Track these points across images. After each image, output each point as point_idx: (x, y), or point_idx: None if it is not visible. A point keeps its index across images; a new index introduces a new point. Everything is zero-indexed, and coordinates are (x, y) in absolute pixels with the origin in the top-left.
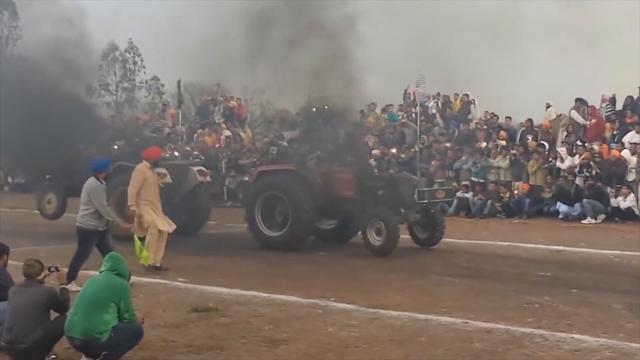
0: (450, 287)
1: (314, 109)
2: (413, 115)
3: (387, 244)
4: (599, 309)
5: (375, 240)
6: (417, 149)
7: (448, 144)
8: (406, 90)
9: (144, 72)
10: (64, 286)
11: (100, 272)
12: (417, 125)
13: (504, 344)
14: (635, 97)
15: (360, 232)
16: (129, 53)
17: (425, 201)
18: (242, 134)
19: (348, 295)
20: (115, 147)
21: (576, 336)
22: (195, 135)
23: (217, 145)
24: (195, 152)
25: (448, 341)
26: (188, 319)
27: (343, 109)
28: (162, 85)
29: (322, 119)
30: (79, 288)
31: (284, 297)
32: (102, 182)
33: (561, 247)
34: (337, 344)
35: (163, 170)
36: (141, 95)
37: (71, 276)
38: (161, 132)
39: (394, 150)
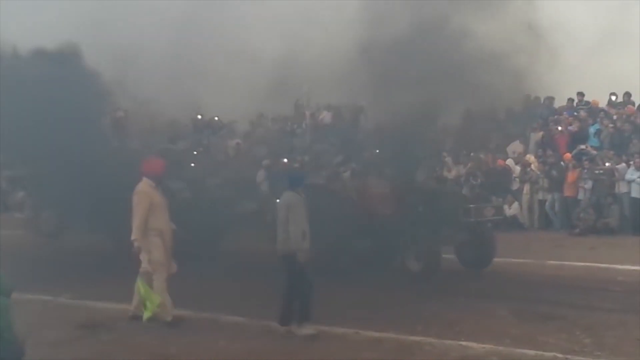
0: (341, 297)
1: (200, 116)
2: (304, 125)
3: (427, 269)
4: (485, 315)
5: (414, 265)
6: (306, 159)
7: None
8: (297, 100)
9: None
10: None
11: None
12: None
13: (394, 352)
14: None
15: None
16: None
17: (472, 219)
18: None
19: (240, 308)
20: None
21: (464, 343)
22: None
23: None
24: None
25: (339, 351)
26: (74, 337)
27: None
28: None
29: (212, 130)
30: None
31: (173, 311)
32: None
33: (449, 255)
34: (229, 357)
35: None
36: None
37: (287, 317)
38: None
39: (285, 160)
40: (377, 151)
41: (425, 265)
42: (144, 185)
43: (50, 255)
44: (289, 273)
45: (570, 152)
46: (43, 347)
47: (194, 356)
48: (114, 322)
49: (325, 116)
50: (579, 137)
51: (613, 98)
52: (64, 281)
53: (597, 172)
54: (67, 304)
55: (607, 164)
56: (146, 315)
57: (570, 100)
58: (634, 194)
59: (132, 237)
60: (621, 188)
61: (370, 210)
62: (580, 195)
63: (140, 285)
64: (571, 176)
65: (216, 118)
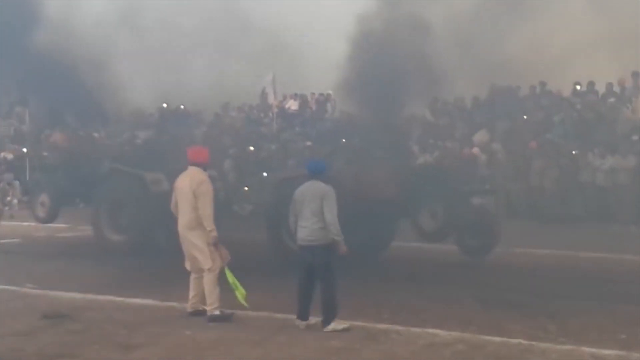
0: None
1: (165, 105)
2: (270, 114)
3: (443, 228)
4: (451, 303)
5: (429, 224)
6: (273, 147)
7: (309, 143)
8: (263, 89)
9: None
10: None
11: None
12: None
13: (361, 340)
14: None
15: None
16: None
17: (479, 196)
18: (95, 134)
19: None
20: None
21: (430, 331)
22: (43, 135)
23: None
24: (45, 153)
25: (307, 340)
26: (38, 327)
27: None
28: None
29: (177, 119)
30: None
31: (139, 300)
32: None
33: (416, 244)
34: (195, 346)
35: None
36: None
37: (333, 313)
38: None
39: (251, 148)
40: (344, 140)
41: (440, 225)
42: (203, 174)
43: (14, 244)
44: (329, 263)
45: (535, 141)
46: (8, 337)
47: (160, 345)
48: (79, 312)
49: (292, 104)
50: (544, 126)
51: (577, 87)
52: (27, 270)
53: (561, 160)
54: (31, 293)
55: (573, 152)
56: (245, 303)
57: (533, 88)
58: (598, 183)
59: (210, 228)
60: (585, 177)
61: (373, 193)
62: (545, 184)
63: (228, 275)
64: (536, 165)
65: (182, 107)
